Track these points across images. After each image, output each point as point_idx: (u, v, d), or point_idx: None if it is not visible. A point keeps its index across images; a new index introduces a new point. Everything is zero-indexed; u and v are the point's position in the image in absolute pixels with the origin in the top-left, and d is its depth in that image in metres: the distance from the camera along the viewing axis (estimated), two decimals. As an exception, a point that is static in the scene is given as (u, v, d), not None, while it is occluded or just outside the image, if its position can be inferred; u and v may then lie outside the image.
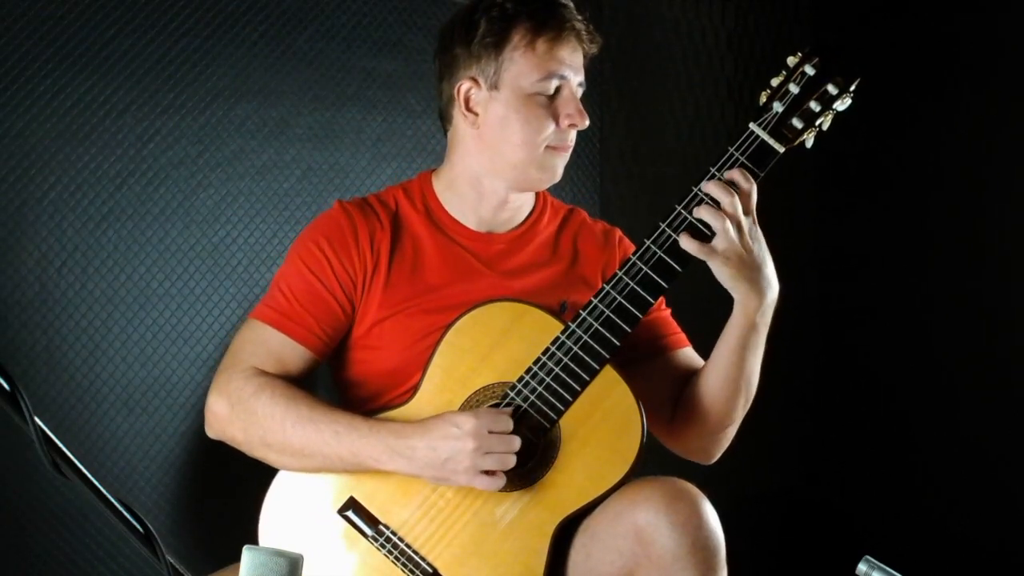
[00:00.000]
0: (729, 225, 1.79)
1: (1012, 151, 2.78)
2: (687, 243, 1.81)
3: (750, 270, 1.82)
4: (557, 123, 1.94)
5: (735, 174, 1.82)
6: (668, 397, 2.01)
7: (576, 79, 1.96)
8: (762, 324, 1.89)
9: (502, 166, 1.97)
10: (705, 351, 1.99)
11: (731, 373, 1.92)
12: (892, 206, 2.95)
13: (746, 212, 1.82)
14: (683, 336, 2.07)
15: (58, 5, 2.31)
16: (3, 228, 2.28)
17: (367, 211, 2.00)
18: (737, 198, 1.80)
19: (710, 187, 1.82)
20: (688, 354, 2.05)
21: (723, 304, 1.89)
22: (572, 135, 1.97)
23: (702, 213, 1.81)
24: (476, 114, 1.97)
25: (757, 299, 1.85)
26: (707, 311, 1.94)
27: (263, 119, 2.56)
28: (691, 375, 2.01)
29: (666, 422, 2.02)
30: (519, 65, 1.93)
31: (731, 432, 2.01)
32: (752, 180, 1.83)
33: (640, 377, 1.98)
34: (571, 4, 1.98)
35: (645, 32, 3.11)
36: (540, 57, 1.93)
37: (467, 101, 1.97)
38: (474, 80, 1.96)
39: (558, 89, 1.94)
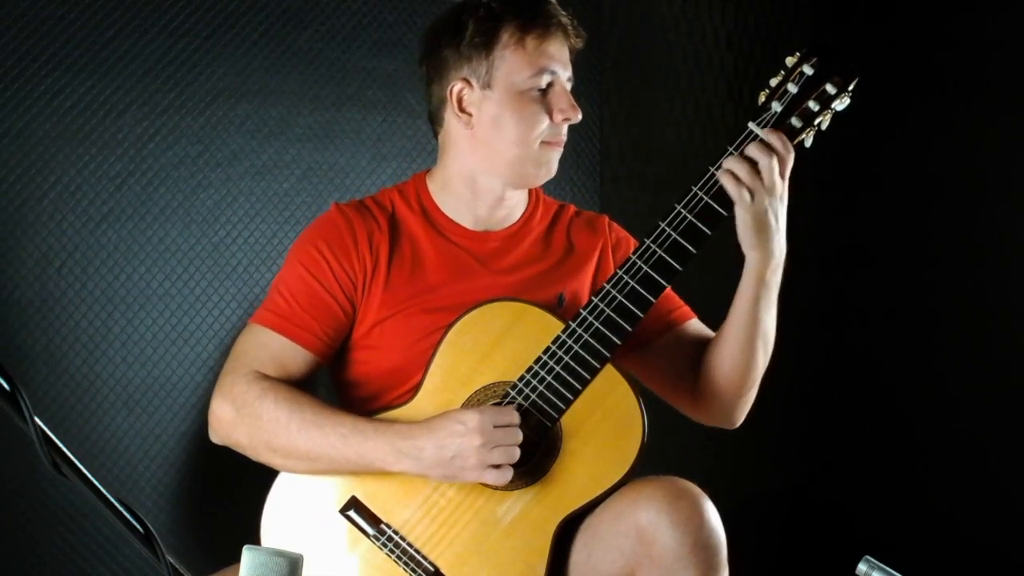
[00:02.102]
0: (763, 182, 1.83)
1: (1012, 150, 2.78)
2: (724, 177, 1.82)
3: (769, 230, 1.85)
4: (551, 118, 1.95)
5: (773, 138, 1.84)
6: (686, 369, 2.03)
7: (565, 74, 1.98)
8: (774, 282, 1.92)
9: (498, 164, 1.98)
10: (715, 327, 2.00)
11: (749, 332, 1.94)
12: (892, 205, 2.95)
13: (782, 175, 1.84)
14: (688, 309, 2.09)
15: (58, 5, 2.31)
16: (3, 228, 2.28)
17: (364, 213, 2.00)
18: (776, 160, 1.83)
19: (751, 149, 1.84)
20: (696, 325, 2.08)
21: (725, 283, 1.91)
22: (565, 129, 1.99)
23: (753, 151, 1.83)
24: (470, 114, 1.97)
25: (768, 258, 1.88)
26: (717, 289, 1.95)
27: (263, 119, 2.56)
28: (703, 345, 2.03)
29: (689, 392, 2.04)
30: (510, 63, 1.94)
31: (752, 394, 2.02)
32: (791, 147, 1.85)
33: (654, 356, 2.01)
34: (554, 0, 1.99)
35: (645, 32, 3.11)
36: (530, 54, 1.94)
37: (460, 102, 1.97)
38: (466, 81, 1.96)
39: (550, 84, 1.95)
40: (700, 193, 1.86)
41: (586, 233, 2.08)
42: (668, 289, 2.05)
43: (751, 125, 1.86)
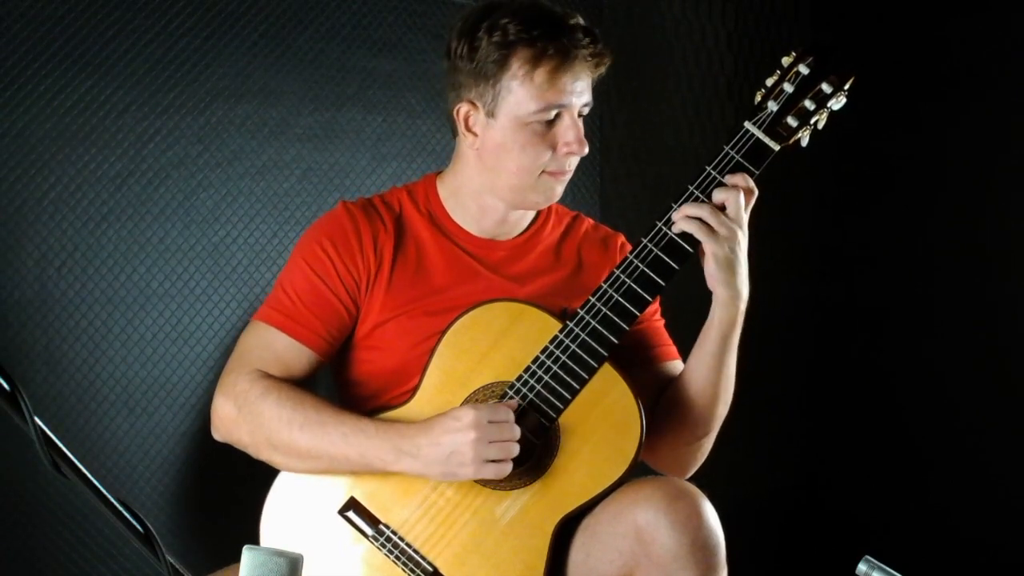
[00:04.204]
0: (729, 214, 1.82)
1: (1012, 151, 2.78)
2: (686, 223, 1.82)
3: (738, 266, 1.85)
4: (555, 150, 1.93)
5: (738, 178, 1.84)
6: (651, 408, 1.99)
7: (579, 103, 1.92)
8: (739, 324, 1.90)
9: (500, 188, 1.97)
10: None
11: (713, 376, 1.92)
12: (891, 206, 2.95)
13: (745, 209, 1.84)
14: (674, 348, 2.06)
15: (58, 5, 2.31)
16: (3, 228, 2.28)
17: (371, 212, 2.00)
18: (742, 196, 1.83)
19: (717, 194, 1.84)
20: (677, 367, 2.04)
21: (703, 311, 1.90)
22: (572, 161, 1.95)
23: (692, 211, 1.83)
24: (475, 135, 1.95)
25: (739, 297, 1.87)
26: (693, 317, 1.95)
27: (263, 119, 2.56)
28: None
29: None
30: (516, 95, 1.89)
31: (707, 444, 2.00)
32: (752, 183, 1.85)
33: None
34: (579, 23, 1.91)
35: (645, 32, 3.11)
36: (538, 88, 1.88)
37: (466, 122, 1.96)
38: (472, 103, 1.94)
39: (558, 115, 1.91)
40: (697, 193, 1.86)
41: (598, 251, 2.07)
42: (660, 325, 2.06)
43: (747, 124, 1.86)
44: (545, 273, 2.02)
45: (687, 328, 2.03)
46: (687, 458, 2.01)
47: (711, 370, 1.91)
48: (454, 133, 2.02)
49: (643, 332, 2.02)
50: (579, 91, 1.92)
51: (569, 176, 1.97)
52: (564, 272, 2.04)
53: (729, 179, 1.85)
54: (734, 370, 1.94)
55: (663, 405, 1.98)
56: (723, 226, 1.82)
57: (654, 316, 2.06)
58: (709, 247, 1.83)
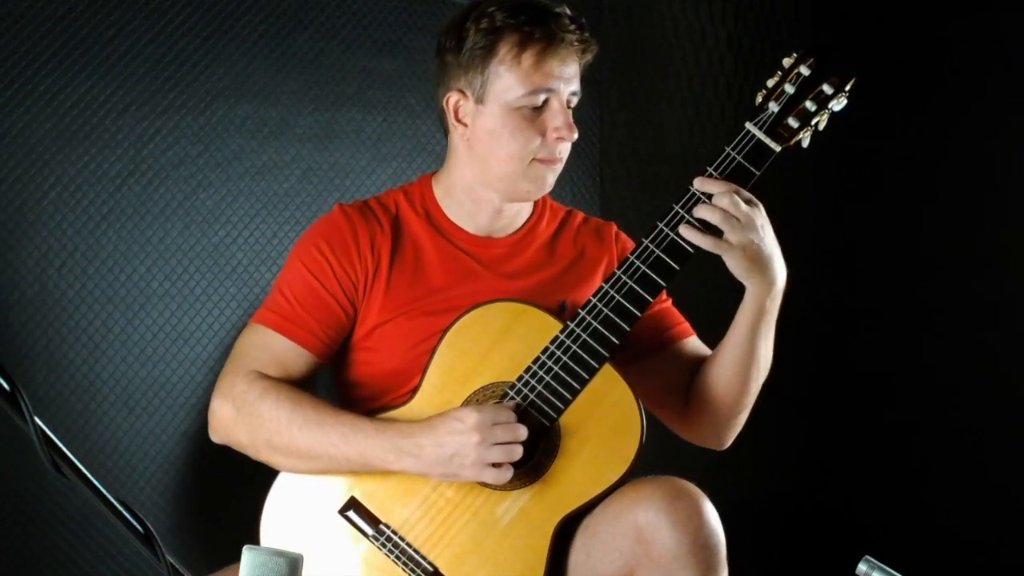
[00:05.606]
0: (734, 219, 1.80)
1: (1012, 152, 2.78)
2: (696, 237, 1.81)
3: (762, 260, 1.84)
4: (544, 136, 1.93)
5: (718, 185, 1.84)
6: (678, 387, 2.02)
7: (568, 90, 1.93)
8: (772, 309, 1.90)
9: (491, 178, 1.97)
10: (714, 340, 1.99)
11: (744, 359, 1.93)
12: (891, 206, 2.95)
13: (747, 202, 1.83)
14: (687, 326, 2.08)
15: (58, 5, 2.31)
16: (3, 228, 2.28)
17: (367, 214, 2.00)
18: (731, 191, 1.82)
19: (704, 183, 1.82)
20: (694, 343, 2.06)
21: (731, 293, 1.90)
22: (563, 148, 1.95)
23: (703, 212, 1.82)
24: (465, 125, 1.96)
25: (768, 287, 1.87)
26: (715, 300, 1.95)
27: (263, 119, 2.56)
28: (699, 363, 2.02)
29: (679, 411, 2.03)
30: (505, 79, 1.91)
31: (743, 418, 2.02)
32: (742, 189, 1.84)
33: (648, 370, 2.00)
34: (565, 12, 1.94)
35: (645, 32, 3.11)
36: (526, 71, 1.90)
37: (456, 112, 1.96)
38: (462, 92, 1.95)
39: (546, 101, 1.92)
40: (699, 194, 1.86)
41: (593, 242, 2.08)
42: (669, 305, 2.07)
43: (748, 125, 1.86)
44: (541, 269, 2.03)
45: (701, 316, 2.03)
46: (724, 432, 2.04)
47: (744, 353, 1.93)
48: (446, 132, 2.03)
49: (655, 316, 2.02)
50: (567, 77, 1.93)
51: (560, 165, 1.97)
52: (560, 267, 2.04)
53: (704, 184, 1.84)
54: (768, 354, 1.95)
55: (696, 386, 2.00)
56: (735, 233, 1.80)
57: (662, 299, 2.06)
58: (729, 261, 1.82)
